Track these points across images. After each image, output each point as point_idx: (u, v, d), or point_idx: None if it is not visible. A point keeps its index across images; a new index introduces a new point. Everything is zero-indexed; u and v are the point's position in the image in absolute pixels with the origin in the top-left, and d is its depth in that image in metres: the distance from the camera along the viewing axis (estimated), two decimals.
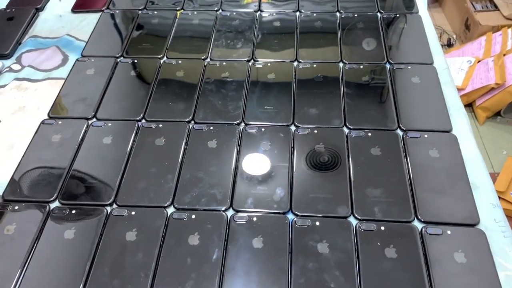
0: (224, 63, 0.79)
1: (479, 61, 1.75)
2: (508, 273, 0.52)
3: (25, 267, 0.54)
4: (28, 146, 0.67)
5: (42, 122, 0.70)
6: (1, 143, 0.68)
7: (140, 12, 0.91)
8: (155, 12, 0.91)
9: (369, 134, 0.66)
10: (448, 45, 2.06)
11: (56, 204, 0.60)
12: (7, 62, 0.82)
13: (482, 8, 1.98)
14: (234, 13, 0.89)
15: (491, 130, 1.70)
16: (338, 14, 0.88)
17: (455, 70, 1.76)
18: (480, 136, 1.67)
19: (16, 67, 0.81)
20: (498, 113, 1.71)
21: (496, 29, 1.87)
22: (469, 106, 1.75)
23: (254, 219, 0.57)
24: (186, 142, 0.66)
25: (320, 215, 0.57)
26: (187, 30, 0.86)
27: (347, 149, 0.64)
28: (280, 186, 0.60)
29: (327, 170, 0.61)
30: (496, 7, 1.94)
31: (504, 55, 1.68)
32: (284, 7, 0.90)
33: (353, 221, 0.57)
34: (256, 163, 0.63)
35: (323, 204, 0.58)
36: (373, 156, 0.63)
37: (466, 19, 2.01)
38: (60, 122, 0.70)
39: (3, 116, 0.72)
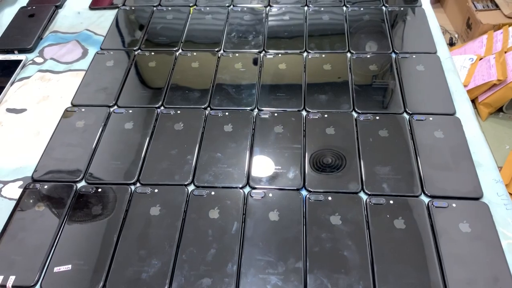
0: (237, 55, 0.83)
1: (481, 59, 1.79)
2: (510, 241, 0.55)
3: (56, 240, 0.57)
4: (54, 131, 0.71)
5: (66, 110, 0.74)
6: (28, 129, 0.72)
7: (155, 8, 0.95)
8: (169, 9, 0.95)
9: (377, 118, 0.69)
10: (450, 44, 2.10)
11: (82, 183, 0.64)
12: (30, 56, 0.86)
13: (483, 7, 2.01)
14: (245, 8, 0.93)
15: (494, 126, 1.73)
16: (344, 8, 0.92)
17: (458, 68, 1.79)
18: (482, 132, 1.69)
19: (39, 60, 0.85)
20: (500, 109, 1.74)
21: (497, 27, 1.90)
22: (471, 102, 1.78)
23: (270, 195, 0.60)
24: (203, 127, 0.70)
25: (332, 190, 0.61)
26: (200, 24, 0.91)
27: (356, 131, 0.68)
28: (294, 165, 0.64)
29: (332, 171, 0.65)
30: (497, 6, 1.97)
31: (505, 52, 1.71)
32: (292, 1, 0.94)
33: (363, 196, 0.60)
34: (270, 144, 0.67)
35: (334, 181, 0.62)
36: (381, 137, 0.67)
37: (468, 18, 2.05)
38: (83, 110, 0.74)
39: (28, 105, 0.76)
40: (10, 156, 0.68)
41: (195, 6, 0.95)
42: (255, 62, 0.80)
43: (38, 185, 0.63)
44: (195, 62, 0.82)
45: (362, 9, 0.91)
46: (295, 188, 0.61)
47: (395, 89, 0.74)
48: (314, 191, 0.61)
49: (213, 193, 0.61)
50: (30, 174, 0.65)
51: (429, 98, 0.72)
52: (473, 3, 2.02)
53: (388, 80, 0.76)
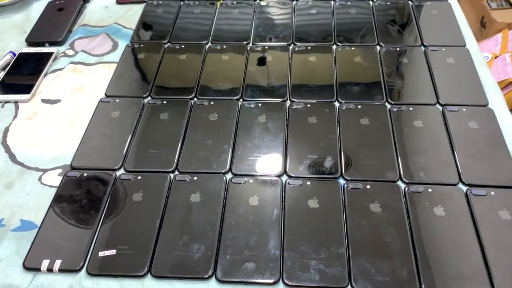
0: (266, 48, 0.84)
1: (496, 57, 1.79)
2: None
3: (99, 226, 0.58)
4: (90, 121, 0.72)
5: (101, 100, 0.75)
6: (63, 119, 0.73)
7: (181, 2, 0.96)
8: (196, 3, 0.96)
9: (411, 109, 0.70)
10: None
11: (121, 172, 0.65)
12: (61, 48, 0.87)
13: (498, 6, 2.01)
14: (272, 2, 0.94)
15: None
16: (371, 2, 0.93)
17: None
18: None
19: (70, 52, 0.86)
20: None
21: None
22: None
23: (308, 183, 0.61)
24: (237, 117, 0.71)
25: (370, 179, 0.61)
26: (228, 18, 0.91)
27: (391, 122, 0.68)
28: (330, 154, 0.64)
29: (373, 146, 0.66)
30: (511, 5, 1.97)
31: None
32: None
33: (401, 184, 0.61)
34: (305, 134, 0.67)
35: (372, 170, 0.62)
36: (416, 127, 0.67)
37: (482, 17, 2.04)
38: (117, 100, 0.75)
39: (62, 96, 0.77)
40: (48, 145, 0.69)
41: (222, 0, 0.96)
42: (261, 61, 0.81)
43: (77, 173, 0.64)
44: (225, 55, 0.83)
45: (388, 3, 0.92)
46: (333, 177, 0.62)
47: (427, 81, 0.75)
48: (352, 180, 0.61)
49: (251, 181, 0.62)
50: (68, 163, 0.66)
51: (461, 89, 0.73)
52: (487, 2, 2.02)
53: (419, 72, 0.76)
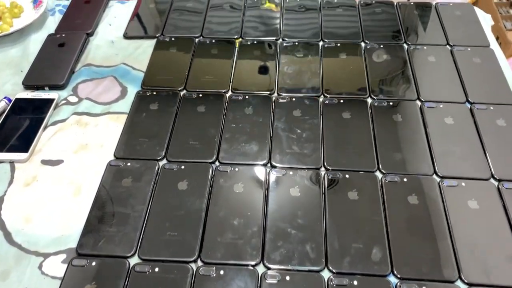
0: (294, 99, 0.75)
1: None
2: None
3: None
4: (98, 191, 0.63)
5: (109, 164, 0.66)
6: (67, 186, 0.64)
7: (197, 40, 0.87)
8: (213, 41, 0.87)
9: (463, 184, 0.62)
10: None
11: (135, 260, 0.56)
12: (63, 93, 0.78)
13: None
14: (296, 43, 0.86)
15: None
16: (405, 45, 0.85)
17: None
18: None
19: (73, 99, 0.77)
20: None
21: None
22: None
23: (355, 282, 0.53)
24: (266, 189, 0.62)
25: (426, 278, 0.53)
26: (249, 61, 0.83)
27: (443, 201, 0.60)
28: (377, 243, 0.56)
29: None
30: None
31: None
32: (347, 37, 0.87)
33: (461, 285, 0.53)
34: (346, 214, 0.59)
35: (427, 266, 0.54)
36: (471, 209, 0.59)
37: (496, 38, 1.97)
38: (128, 164, 0.66)
39: (65, 155, 0.68)
40: (49, 221, 0.60)
41: (241, 39, 0.87)
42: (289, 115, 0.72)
43: (84, 261, 0.55)
44: (248, 107, 0.74)
45: (425, 48, 0.84)
46: (383, 274, 0.53)
47: (478, 148, 0.67)
48: (405, 278, 0.53)
49: (287, 277, 0.53)
50: (73, 245, 0.57)
51: None
52: (503, 23, 1.95)
53: (466, 137, 0.68)
